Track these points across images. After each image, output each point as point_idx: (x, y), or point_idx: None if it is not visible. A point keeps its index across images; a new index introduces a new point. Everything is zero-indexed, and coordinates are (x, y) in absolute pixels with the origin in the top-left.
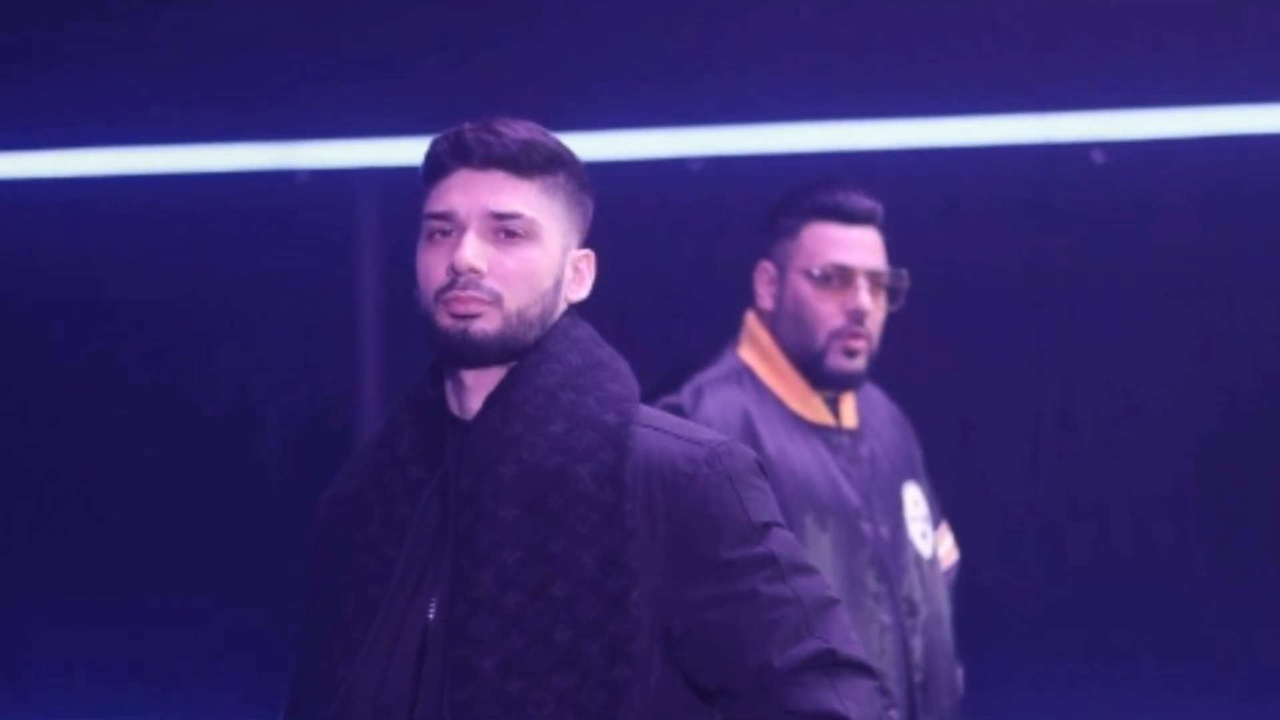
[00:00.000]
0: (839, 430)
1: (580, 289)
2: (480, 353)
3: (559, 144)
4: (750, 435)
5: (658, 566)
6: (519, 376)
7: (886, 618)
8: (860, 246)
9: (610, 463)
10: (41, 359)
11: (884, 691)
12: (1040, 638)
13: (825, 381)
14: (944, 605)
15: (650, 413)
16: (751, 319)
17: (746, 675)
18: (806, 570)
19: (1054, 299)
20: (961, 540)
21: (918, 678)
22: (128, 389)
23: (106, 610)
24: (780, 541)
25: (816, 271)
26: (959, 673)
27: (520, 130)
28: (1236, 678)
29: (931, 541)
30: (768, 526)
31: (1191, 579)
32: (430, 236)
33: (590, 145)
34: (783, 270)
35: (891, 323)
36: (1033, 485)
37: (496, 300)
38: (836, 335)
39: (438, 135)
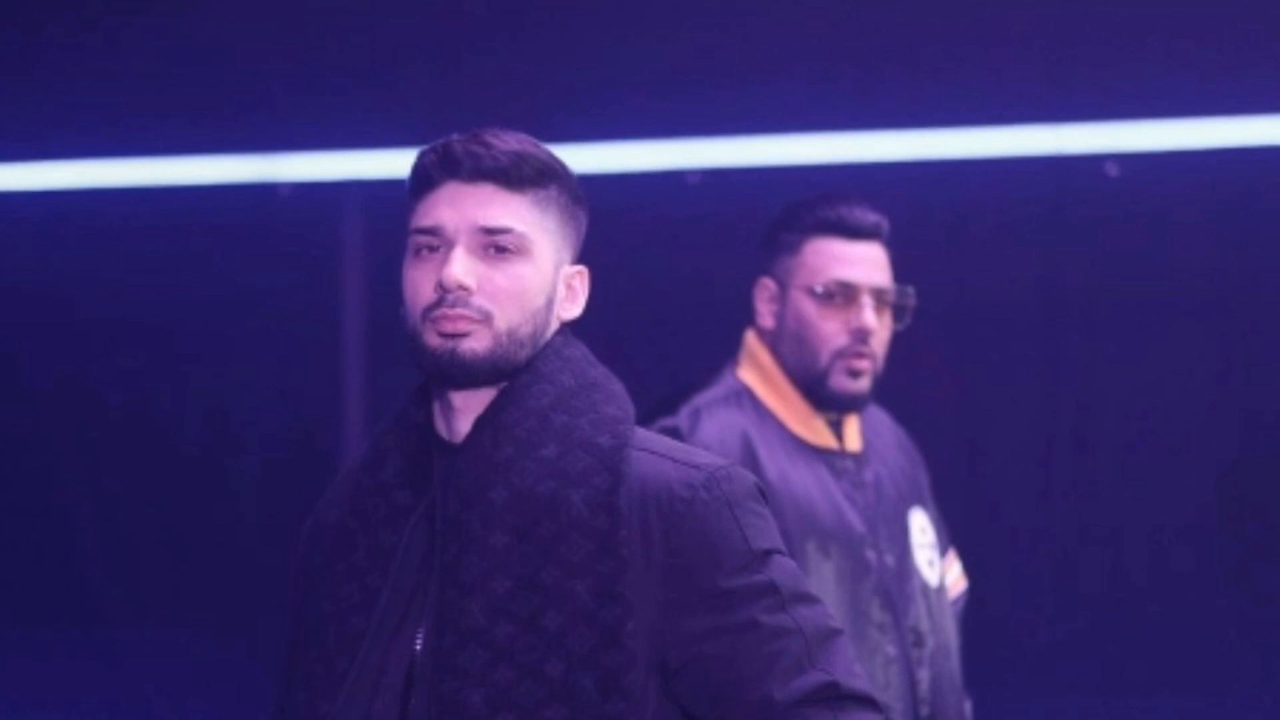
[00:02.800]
0: (842, 454)
1: (573, 307)
2: (469, 373)
3: (551, 156)
4: (750, 459)
5: (654, 596)
6: (509, 398)
7: (892, 649)
8: (864, 263)
9: (604, 488)
10: (10, 381)
11: None
12: (1052, 670)
13: (828, 403)
14: (952, 636)
15: (646, 436)
16: (751, 338)
17: (746, 709)
18: (809, 599)
19: (1067, 317)
20: (970, 568)
21: (924, 711)
22: (101, 412)
23: (80, 642)
24: (781, 570)
25: (819, 289)
26: (967, 706)
27: (511, 142)
28: (1258, 712)
29: (939, 570)
30: (768, 554)
31: (1211, 610)
32: (417, 252)
33: (584, 157)
34: (784, 287)
35: (897, 342)
36: (1045, 511)
37: (486, 319)
38: (840, 355)
39: (425, 147)
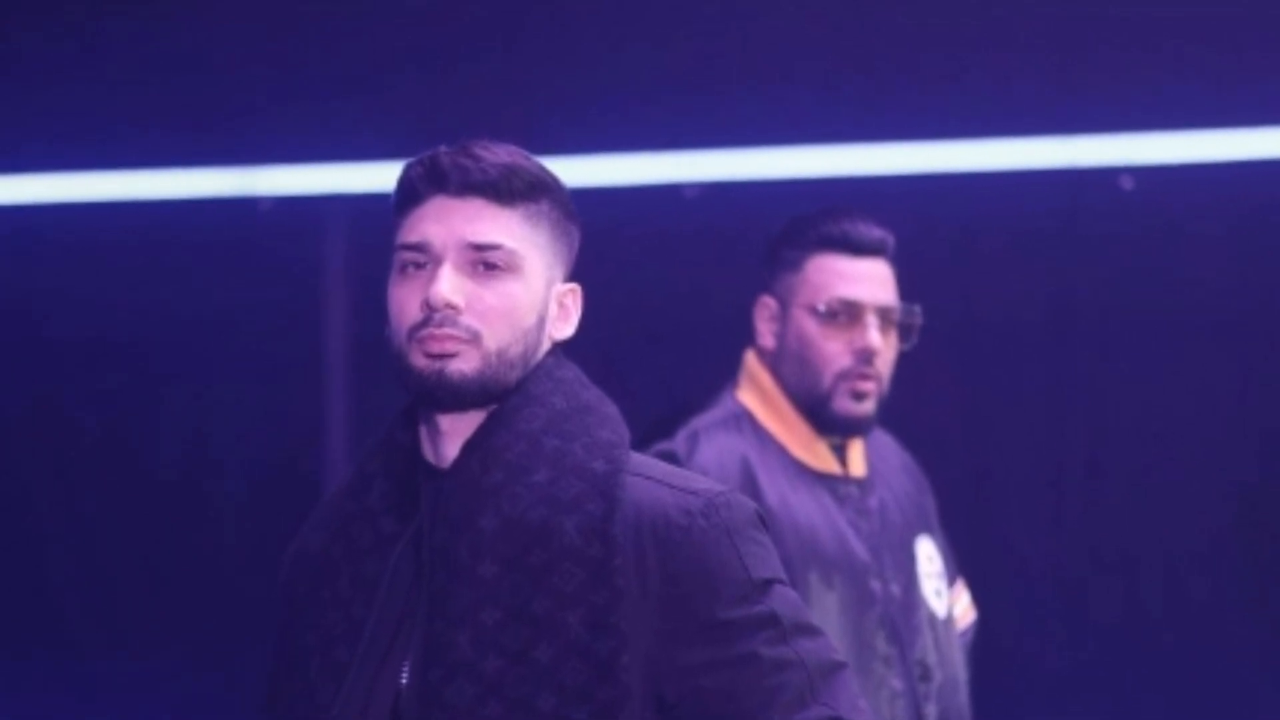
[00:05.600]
0: (846, 479)
1: (565, 326)
2: (457, 395)
3: (542, 169)
4: (750, 485)
5: (649, 628)
6: (499, 421)
7: (898, 683)
8: (869, 280)
9: (598, 515)
10: None
11: None
12: (1065, 703)
13: (831, 426)
14: (960, 669)
15: (642, 460)
16: (751, 359)
17: None
18: (811, 631)
19: (1079, 336)
20: (979, 598)
21: None
22: (75, 434)
23: (54, 674)
24: (783, 600)
25: (822, 307)
26: None
27: (501, 154)
28: None
29: (946, 600)
30: (769, 584)
31: (1228, 639)
32: (403, 269)
33: (577, 170)
34: (785, 306)
35: (903, 363)
36: (1056, 539)
37: (475, 338)
38: (844, 376)
39: (411, 160)
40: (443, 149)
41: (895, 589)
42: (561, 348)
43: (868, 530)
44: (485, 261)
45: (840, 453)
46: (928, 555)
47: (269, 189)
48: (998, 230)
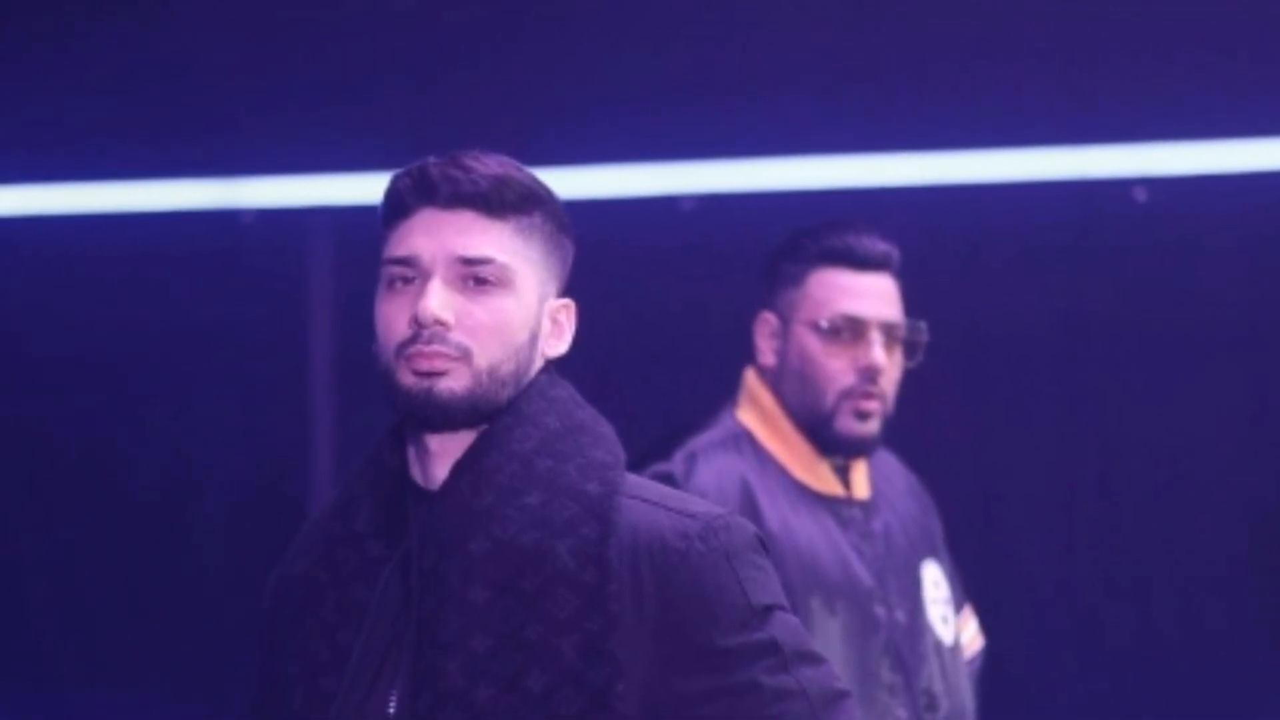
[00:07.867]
0: (849, 502)
1: (559, 343)
2: (447, 414)
3: (535, 180)
4: (750, 507)
5: (646, 655)
6: (490, 441)
7: (903, 712)
8: (873, 295)
9: (593, 539)
10: None
11: None
12: None
13: (834, 447)
14: (967, 698)
15: (638, 482)
16: (751, 377)
17: None
18: (813, 659)
19: (1091, 353)
20: (987, 625)
21: None
22: (52, 455)
23: (31, 704)
24: (784, 627)
25: (824, 323)
26: None
27: (492, 165)
28: None
29: (953, 627)
30: (769, 610)
31: (1246, 668)
32: (390, 284)
33: (570, 181)
34: (786, 322)
35: (908, 381)
36: (1067, 563)
37: (465, 356)
38: (847, 395)
39: (399, 171)
40: (431, 160)
41: (900, 615)
42: (555, 365)
43: (872, 554)
44: (476, 276)
45: (843, 474)
46: (934, 580)
47: (252, 201)
48: (1007, 243)
